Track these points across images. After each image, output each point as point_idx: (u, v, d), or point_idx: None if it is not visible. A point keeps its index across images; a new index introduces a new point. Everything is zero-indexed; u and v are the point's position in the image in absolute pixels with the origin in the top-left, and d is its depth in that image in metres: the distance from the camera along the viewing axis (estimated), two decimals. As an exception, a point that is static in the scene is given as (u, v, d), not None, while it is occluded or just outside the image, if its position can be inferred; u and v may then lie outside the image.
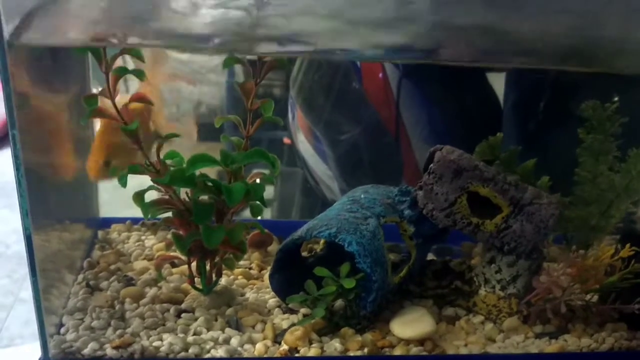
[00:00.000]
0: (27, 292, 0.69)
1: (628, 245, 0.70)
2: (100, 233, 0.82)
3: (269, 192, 2.29)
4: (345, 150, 1.23)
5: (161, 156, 0.64)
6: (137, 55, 0.62)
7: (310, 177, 1.37)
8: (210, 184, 0.63)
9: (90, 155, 0.73)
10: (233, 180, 0.64)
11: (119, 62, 0.61)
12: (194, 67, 3.28)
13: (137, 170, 0.63)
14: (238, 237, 0.65)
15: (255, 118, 0.68)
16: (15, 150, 0.54)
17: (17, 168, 0.54)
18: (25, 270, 0.60)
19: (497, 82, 1.19)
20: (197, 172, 0.63)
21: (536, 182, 0.77)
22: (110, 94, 0.61)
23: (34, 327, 0.61)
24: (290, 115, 1.35)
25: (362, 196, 0.75)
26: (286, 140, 1.92)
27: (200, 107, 3.18)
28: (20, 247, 0.60)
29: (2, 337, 0.99)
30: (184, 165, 0.62)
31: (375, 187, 0.78)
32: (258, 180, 0.68)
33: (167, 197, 0.65)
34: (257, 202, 0.66)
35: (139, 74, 0.61)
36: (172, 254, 0.71)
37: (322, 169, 1.31)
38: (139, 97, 0.63)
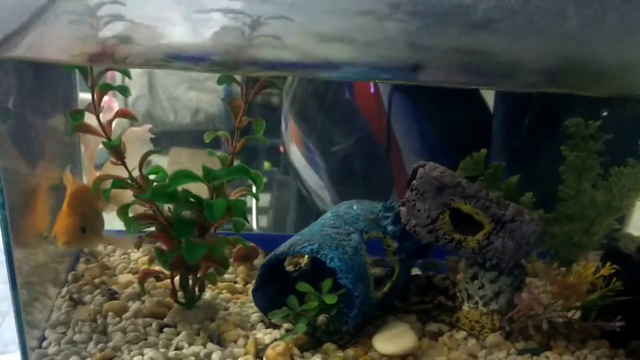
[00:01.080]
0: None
1: (609, 263, 0.70)
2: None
3: (265, 200, 2.30)
4: (337, 161, 1.24)
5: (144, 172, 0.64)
6: (123, 73, 0.63)
7: (302, 187, 1.38)
8: (192, 199, 0.63)
9: (60, 219, 0.67)
10: (215, 196, 0.65)
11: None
12: (192, 75, 3.26)
13: (120, 185, 0.63)
14: (220, 252, 0.65)
15: (244, 134, 0.68)
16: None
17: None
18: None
19: (490, 95, 1.20)
20: (180, 188, 0.63)
21: (520, 198, 0.78)
22: (95, 109, 0.61)
23: (28, 334, 0.62)
24: (283, 125, 1.36)
25: (346, 211, 0.75)
26: (282, 149, 1.93)
27: (198, 115, 3.16)
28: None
29: (-3, 344, 0.99)
30: (167, 181, 0.63)
31: (360, 202, 0.78)
32: (243, 197, 0.68)
33: (150, 212, 0.65)
34: (240, 218, 0.66)
35: (124, 90, 0.62)
36: (155, 268, 0.71)
37: (314, 180, 1.32)
38: (124, 113, 0.64)
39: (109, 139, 0.62)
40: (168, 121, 2.84)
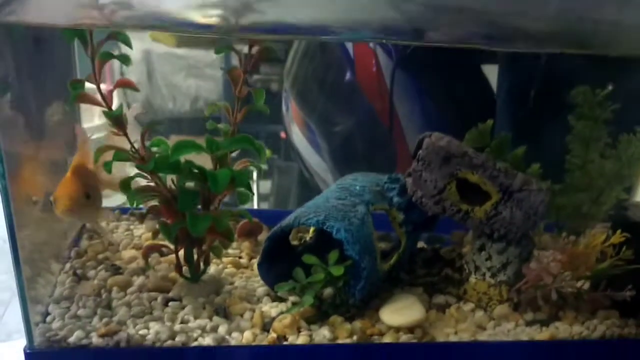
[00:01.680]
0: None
1: (619, 231, 0.69)
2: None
3: (265, 187, 2.29)
4: (339, 141, 1.23)
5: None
6: (124, 41, 0.62)
7: (304, 169, 1.37)
8: (195, 170, 0.62)
9: (62, 185, 0.65)
10: (219, 167, 0.64)
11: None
12: (191, 62, 3.24)
13: (122, 157, 0.62)
14: (224, 224, 0.64)
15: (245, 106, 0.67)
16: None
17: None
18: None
19: (491, 75, 1.18)
20: (182, 160, 0.62)
21: (527, 170, 0.77)
22: (96, 79, 0.60)
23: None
24: (284, 108, 1.35)
25: (351, 184, 0.74)
26: (283, 135, 1.92)
27: (197, 102, 3.14)
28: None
29: (0, 332, 0.99)
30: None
31: (365, 174, 0.77)
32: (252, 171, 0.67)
33: (152, 184, 0.64)
34: (244, 189, 0.65)
35: (124, 59, 0.61)
36: (159, 242, 0.70)
37: (316, 161, 1.31)
38: (124, 83, 0.63)
39: (109, 109, 0.61)
40: (167, 109, 2.84)
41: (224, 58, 2.57)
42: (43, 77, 0.69)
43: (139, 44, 2.67)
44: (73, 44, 0.73)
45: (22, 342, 0.63)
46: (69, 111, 0.73)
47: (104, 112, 0.60)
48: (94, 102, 0.61)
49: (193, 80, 2.87)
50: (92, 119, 1.33)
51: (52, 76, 0.71)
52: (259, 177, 2.18)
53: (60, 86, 0.68)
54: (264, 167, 0.68)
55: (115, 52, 0.62)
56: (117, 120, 0.61)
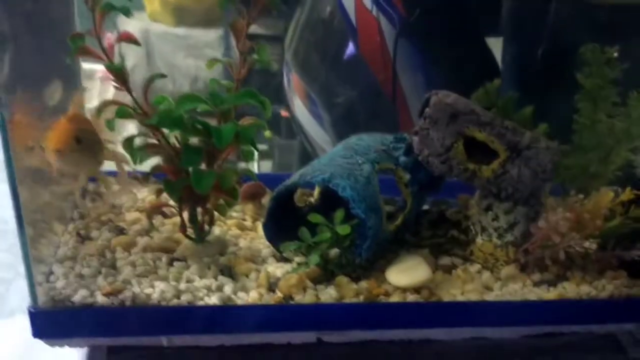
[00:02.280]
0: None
1: (628, 188, 0.68)
2: (91, 185, 0.81)
3: (267, 166, 2.28)
4: (342, 113, 1.21)
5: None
6: (122, 10, 0.60)
7: (306, 142, 1.36)
8: (199, 125, 0.61)
9: (53, 129, 0.62)
10: (223, 122, 0.63)
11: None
12: (190, 42, 3.21)
13: (125, 113, 0.61)
14: (229, 181, 0.64)
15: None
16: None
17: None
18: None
19: (495, 45, 1.17)
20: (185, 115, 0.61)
21: (534, 130, 0.76)
22: (97, 32, 0.59)
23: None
24: (285, 81, 1.33)
25: (357, 143, 0.73)
26: (283, 113, 1.91)
27: (197, 82, 3.12)
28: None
29: (3, 310, 0.99)
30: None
31: (370, 134, 0.77)
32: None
33: (155, 141, 0.63)
34: (249, 146, 0.64)
35: (125, 10, 0.59)
36: (163, 201, 0.69)
37: (318, 133, 1.30)
38: (126, 37, 0.61)
39: (111, 62, 0.59)
40: (166, 89, 2.81)
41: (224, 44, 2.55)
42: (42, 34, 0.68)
43: (138, 24, 2.65)
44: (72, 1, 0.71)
45: (25, 320, 0.62)
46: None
47: (105, 65, 0.59)
48: (95, 56, 0.59)
49: (192, 60, 2.84)
50: (91, 101, 1.31)
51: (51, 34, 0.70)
52: (260, 157, 2.18)
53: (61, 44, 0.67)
54: (265, 129, 0.66)
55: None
56: (119, 74, 0.60)
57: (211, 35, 2.79)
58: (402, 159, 0.72)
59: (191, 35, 2.79)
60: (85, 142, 0.62)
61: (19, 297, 0.95)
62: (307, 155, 1.38)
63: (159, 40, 2.79)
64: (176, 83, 2.85)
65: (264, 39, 2.10)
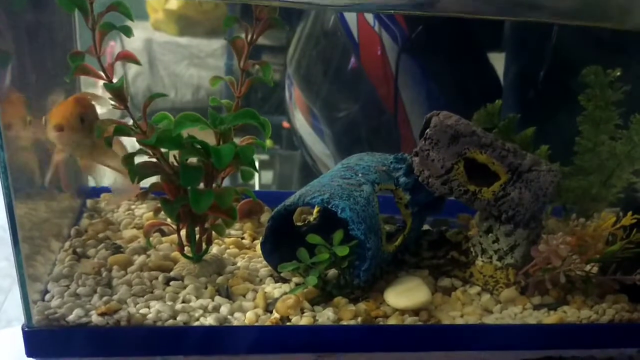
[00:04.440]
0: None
1: (630, 213, 0.68)
2: (89, 202, 0.81)
3: (267, 177, 2.28)
4: (343, 127, 1.21)
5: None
6: (124, 13, 0.60)
7: (307, 156, 1.35)
8: (198, 146, 0.61)
9: (58, 106, 0.61)
10: (222, 142, 0.62)
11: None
12: (193, 51, 3.21)
13: (124, 131, 0.61)
14: (227, 201, 0.63)
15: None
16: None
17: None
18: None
19: (496, 63, 1.17)
20: (185, 134, 0.61)
21: (535, 152, 0.75)
22: (96, 50, 0.59)
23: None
24: (287, 95, 1.33)
25: (357, 163, 0.73)
26: (285, 125, 1.91)
27: (199, 92, 3.12)
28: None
29: (0, 319, 0.98)
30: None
31: (371, 154, 0.76)
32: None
33: (155, 160, 0.63)
34: (248, 167, 0.64)
35: (126, 30, 0.59)
36: (161, 220, 0.69)
37: (319, 148, 1.29)
38: (126, 56, 0.61)
39: (110, 81, 0.59)
40: (169, 98, 2.81)
41: (226, 54, 2.56)
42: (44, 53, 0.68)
43: (141, 33, 2.65)
44: (74, 21, 0.71)
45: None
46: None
47: (104, 85, 0.59)
48: (95, 75, 0.59)
49: (195, 70, 2.85)
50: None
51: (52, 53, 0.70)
52: (260, 167, 2.17)
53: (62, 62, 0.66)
54: (264, 149, 0.66)
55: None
56: (118, 94, 0.59)
57: (214, 45, 2.80)
58: (403, 179, 0.72)
59: (194, 44, 2.80)
60: (89, 125, 0.61)
61: (17, 306, 0.95)
62: (308, 167, 1.38)
63: (161, 49, 2.79)
64: (178, 92, 2.86)
65: (267, 49, 2.10)
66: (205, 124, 0.60)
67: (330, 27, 1.19)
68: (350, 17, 1.13)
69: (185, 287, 0.66)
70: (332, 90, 1.21)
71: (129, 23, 0.60)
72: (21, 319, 0.61)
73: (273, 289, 0.68)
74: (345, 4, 0.57)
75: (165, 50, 2.79)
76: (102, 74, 0.59)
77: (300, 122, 1.32)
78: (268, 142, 2.42)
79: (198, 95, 2.83)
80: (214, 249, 0.73)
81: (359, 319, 0.66)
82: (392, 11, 0.97)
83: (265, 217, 0.82)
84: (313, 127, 1.29)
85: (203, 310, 0.64)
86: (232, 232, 0.77)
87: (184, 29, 2.79)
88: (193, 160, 0.63)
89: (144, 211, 0.79)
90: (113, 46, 0.60)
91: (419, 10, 0.66)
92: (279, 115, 1.80)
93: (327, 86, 1.22)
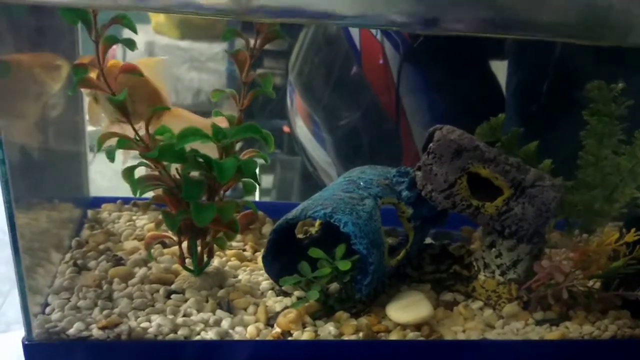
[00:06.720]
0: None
1: (633, 230, 0.67)
2: (90, 212, 0.80)
3: (268, 181, 2.28)
4: (344, 135, 1.21)
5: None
6: (128, 26, 0.60)
7: (308, 163, 1.35)
8: (201, 159, 0.61)
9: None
10: (225, 156, 0.62)
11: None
12: (194, 54, 3.21)
13: (125, 144, 0.61)
14: (229, 215, 0.63)
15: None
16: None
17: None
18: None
19: (499, 72, 1.17)
20: (188, 148, 0.61)
21: (538, 166, 0.75)
22: (99, 63, 0.58)
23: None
24: (288, 101, 1.33)
25: (359, 176, 0.72)
26: (285, 129, 1.91)
27: (199, 95, 3.13)
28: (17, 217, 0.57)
29: (0, 322, 0.98)
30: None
31: (373, 167, 0.76)
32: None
33: (156, 173, 0.63)
34: (250, 180, 0.64)
35: (130, 43, 0.59)
36: (162, 233, 0.69)
37: (320, 155, 1.29)
38: (128, 68, 0.61)
39: (113, 94, 0.59)
40: (169, 102, 2.81)
41: (227, 58, 2.55)
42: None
43: (142, 36, 2.65)
44: (77, 29, 0.71)
45: (21, 333, 0.61)
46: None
47: (107, 98, 0.59)
48: (98, 87, 0.59)
49: (195, 73, 2.85)
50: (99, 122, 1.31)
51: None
52: (261, 171, 2.17)
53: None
54: (267, 162, 0.65)
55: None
56: (121, 107, 0.59)
57: (215, 49, 2.79)
58: (405, 193, 0.71)
59: (195, 48, 2.79)
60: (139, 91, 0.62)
61: (16, 310, 0.95)
62: (308, 174, 1.38)
63: (162, 53, 2.79)
64: (179, 96, 2.86)
65: (269, 54, 2.10)
66: (208, 138, 0.60)
67: (332, 35, 1.19)
68: (353, 25, 1.13)
69: (186, 301, 0.66)
70: (334, 98, 1.21)
71: (132, 36, 0.60)
72: (20, 322, 0.61)
73: (274, 302, 0.68)
74: (347, 20, 0.56)
75: (166, 53, 2.79)
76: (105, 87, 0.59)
77: (301, 129, 1.31)
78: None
79: (198, 99, 2.83)
80: (215, 261, 0.72)
81: (361, 334, 0.65)
82: (394, 27, 0.97)
83: (266, 229, 0.81)
84: (314, 134, 1.28)
85: (204, 324, 0.64)
86: (234, 243, 0.77)
87: (185, 32, 2.79)
88: (195, 173, 0.63)
89: (145, 222, 0.79)
90: (114, 49, 0.60)
91: (424, 29, 0.66)
92: (279, 119, 1.80)
93: (329, 94, 1.21)
